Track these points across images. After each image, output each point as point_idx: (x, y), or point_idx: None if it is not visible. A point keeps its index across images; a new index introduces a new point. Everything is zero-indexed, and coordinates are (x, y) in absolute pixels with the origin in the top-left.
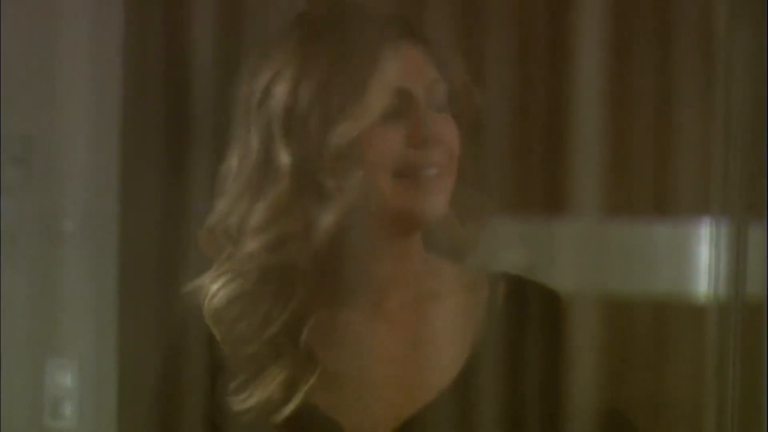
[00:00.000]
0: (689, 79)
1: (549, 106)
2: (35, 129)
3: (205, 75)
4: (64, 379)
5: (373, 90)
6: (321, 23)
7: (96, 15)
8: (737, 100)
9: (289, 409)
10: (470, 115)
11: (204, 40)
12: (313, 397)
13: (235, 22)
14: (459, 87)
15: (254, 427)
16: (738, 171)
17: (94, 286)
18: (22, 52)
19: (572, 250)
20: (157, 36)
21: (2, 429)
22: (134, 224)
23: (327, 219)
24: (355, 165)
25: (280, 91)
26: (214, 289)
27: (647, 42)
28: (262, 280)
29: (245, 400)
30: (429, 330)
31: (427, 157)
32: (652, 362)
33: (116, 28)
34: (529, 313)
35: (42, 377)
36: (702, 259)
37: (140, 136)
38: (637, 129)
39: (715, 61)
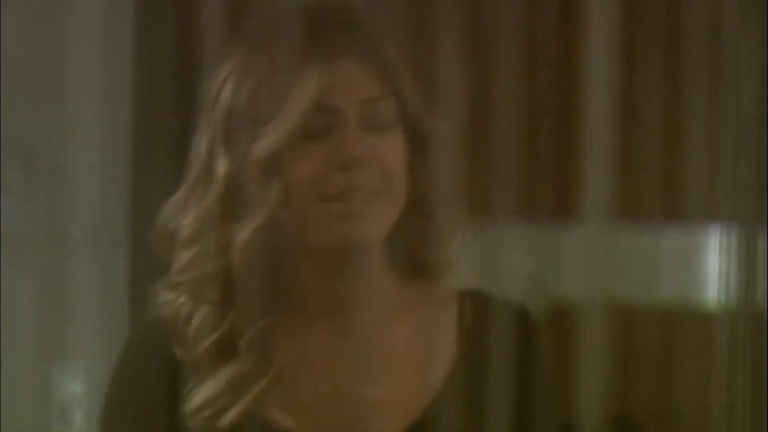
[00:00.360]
0: (698, 86)
1: (557, 112)
2: (40, 132)
3: None
4: (73, 384)
5: (292, 104)
6: (273, 27)
7: (105, 14)
8: (746, 107)
9: (236, 410)
10: (424, 135)
11: (215, 41)
12: (274, 417)
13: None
14: (411, 106)
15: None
16: (747, 178)
17: (102, 291)
18: (25, 52)
19: (581, 257)
20: (169, 36)
21: None
22: (144, 228)
23: (242, 235)
24: (273, 182)
25: (225, 95)
26: (165, 295)
27: (656, 49)
28: (199, 288)
29: (192, 400)
30: (398, 350)
31: (353, 179)
32: (661, 369)
33: (126, 27)
34: (500, 331)
35: (50, 383)
36: (711, 266)
37: (151, 138)
38: (646, 136)
39: (723, 68)
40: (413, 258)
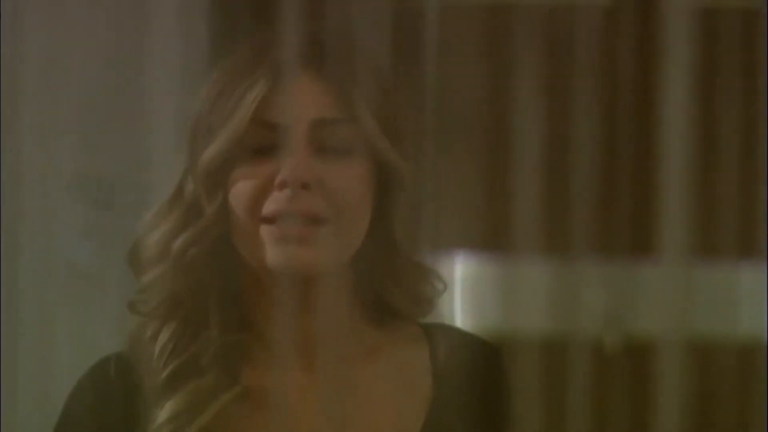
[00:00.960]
0: None
1: (635, 149)
2: (119, 170)
3: None
4: None
5: (234, 117)
6: (245, 44)
7: (184, 52)
8: None
9: (199, 424)
10: (391, 168)
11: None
12: None
13: None
14: (376, 134)
15: None
16: None
17: None
18: (108, 92)
19: (658, 293)
20: None
21: None
22: None
23: (177, 243)
24: (217, 196)
25: (193, 111)
26: (132, 318)
27: (733, 88)
28: (164, 307)
29: (157, 418)
30: (371, 392)
31: (289, 202)
32: (739, 405)
33: (205, 64)
34: (473, 368)
35: None
36: None
37: None
38: (722, 172)
39: None
40: (384, 301)
